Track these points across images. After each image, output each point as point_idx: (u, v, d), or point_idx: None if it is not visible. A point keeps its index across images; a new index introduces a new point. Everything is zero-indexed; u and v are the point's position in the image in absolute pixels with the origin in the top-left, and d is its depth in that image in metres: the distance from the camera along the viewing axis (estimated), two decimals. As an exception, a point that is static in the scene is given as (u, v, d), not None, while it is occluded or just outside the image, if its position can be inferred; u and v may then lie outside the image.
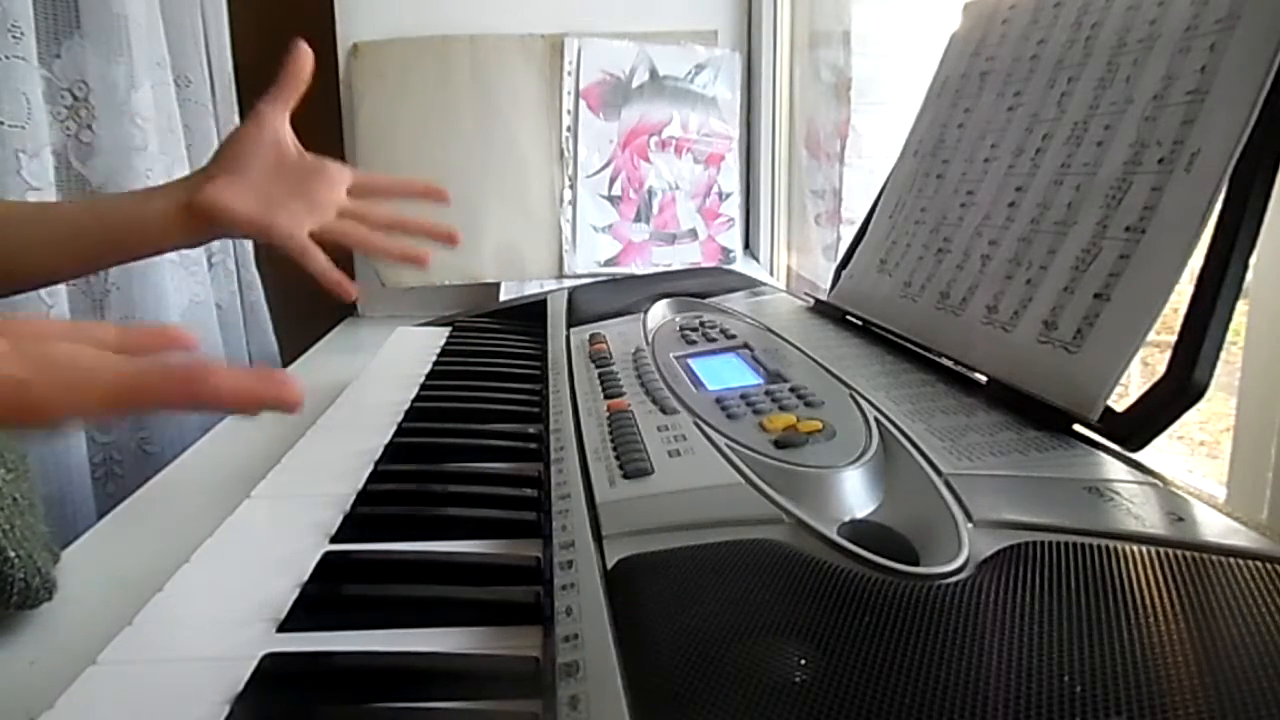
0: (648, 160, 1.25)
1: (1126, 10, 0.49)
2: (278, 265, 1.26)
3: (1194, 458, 0.84)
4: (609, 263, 1.24)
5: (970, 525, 0.34)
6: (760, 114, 1.31)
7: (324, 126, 1.23)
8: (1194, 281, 0.41)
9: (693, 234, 1.26)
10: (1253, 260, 0.41)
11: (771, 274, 1.31)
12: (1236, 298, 0.40)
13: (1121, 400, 0.43)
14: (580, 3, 1.26)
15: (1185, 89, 0.43)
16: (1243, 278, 0.40)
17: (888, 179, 0.73)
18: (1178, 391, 0.39)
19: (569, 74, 1.22)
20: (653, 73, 1.24)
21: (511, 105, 1.22)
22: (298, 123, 0.63)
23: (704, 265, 1.24)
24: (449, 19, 1.23)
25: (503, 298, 1.20)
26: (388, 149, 1.21)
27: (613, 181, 1.24)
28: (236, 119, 1.19)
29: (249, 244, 1.21)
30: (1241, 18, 0.40)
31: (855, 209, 1.08)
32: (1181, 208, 0.41)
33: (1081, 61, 0.52)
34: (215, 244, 1.14)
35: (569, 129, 1.23)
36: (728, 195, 1.27)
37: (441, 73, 1.21)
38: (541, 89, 1.23)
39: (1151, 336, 0.42)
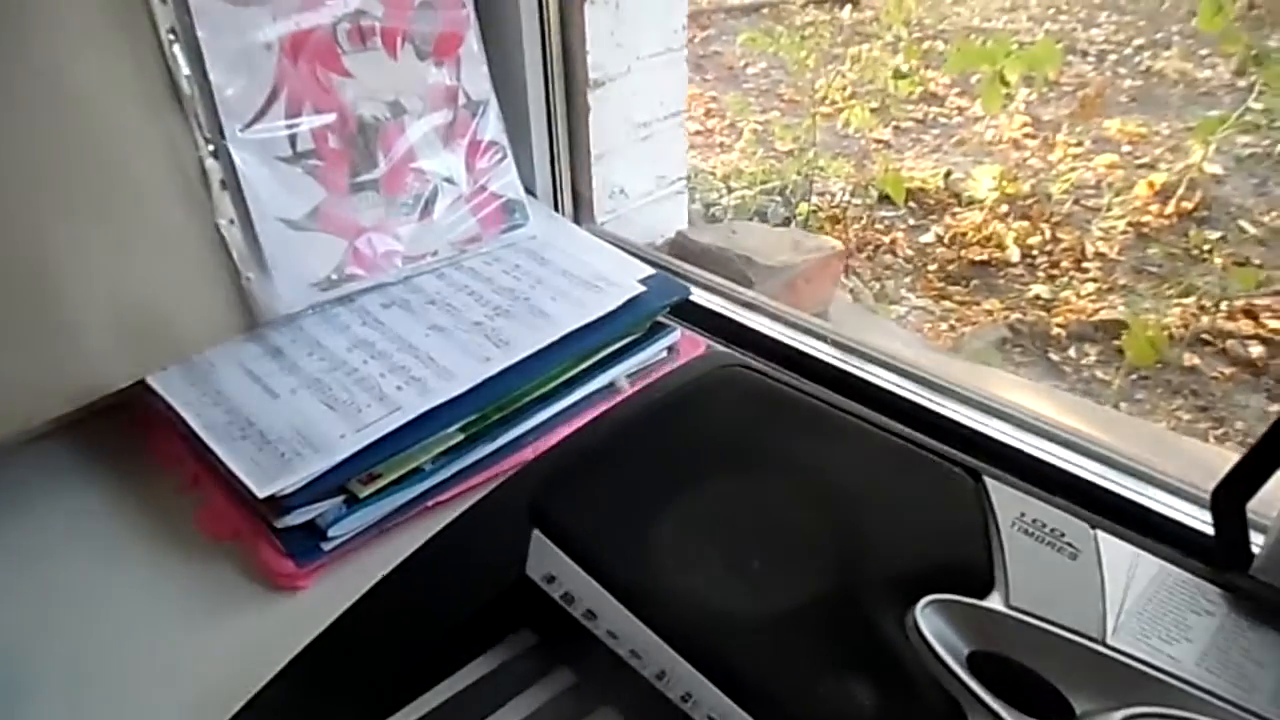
0: (341, 71, 0.68)
1: None
2: None
3: None
4: (336, 281, 0.69)
5: None
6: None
7: None
8: None
9: (451, 189, 0.74)
10: None
11: (558, 210, 0.86)
12: None
13: None
14: None
15: None
16: None
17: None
18: None
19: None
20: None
21: (45, 23, 0.55)
22: None
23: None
24: None
25: (171, 396, 0.61)
26: None
27: (293, 125, 0.66)
28: None
29: None
30: None
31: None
32: None
33: None
34: None
35: (173, 36, 0.60)
36: (481, 106, 0.76)
37: None
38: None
39: None
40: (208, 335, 0.65)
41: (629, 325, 0.68)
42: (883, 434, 0.48)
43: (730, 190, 2.46)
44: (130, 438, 0.67)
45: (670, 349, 0.71)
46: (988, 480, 0.45)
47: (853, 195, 2.54)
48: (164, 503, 0.63)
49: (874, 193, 2.54)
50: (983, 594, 0.40)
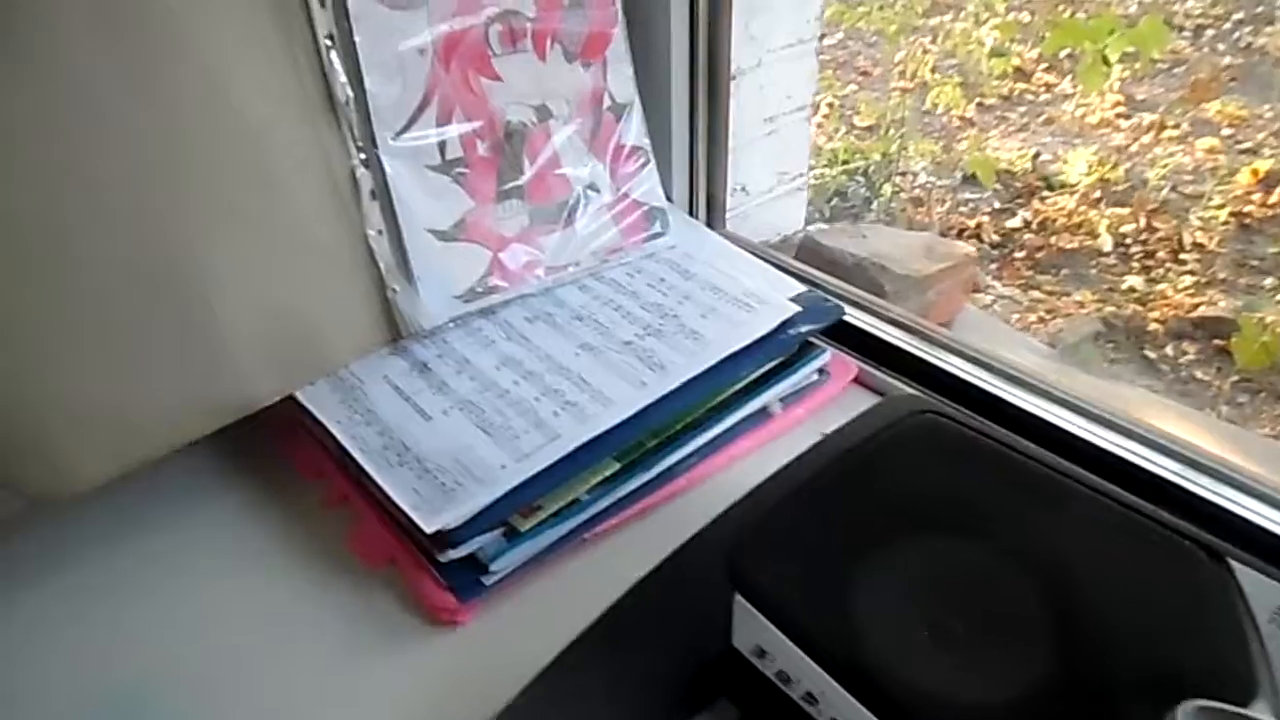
0: (492, 75, 0.65)
1: None
2: None
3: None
4: (480, 293, 0.66)
5: None
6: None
7: None
8: None
9: (595, 196, 0.71)
10: None
11: (693, 214, 0.83)
12: None
13: None
14: None
15: None
16: None
17: None
18: None
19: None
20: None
21: (206, 26, 0.52)
22: None
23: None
24: None
25: (323, 414, 0.60)
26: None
27: (442, 133, 0.63)
28: None
29: None
30: None
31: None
32: None
33: None
34: None
35: (330, 41, 0.57)
36: (626, 109, 0.72)
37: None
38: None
39: None
40: (352, 350, 0.63)
41: (782, 348, 0.65)
42: (1105, 499, 0.45)
43: (809, 168, 2.39)
44: (267, 444, 0.66)
45: (822, 371, 0.68)
46: (1234, 564, 0.41)
47: (935, 175, 2.46)
48: (309, 518, 0.62)
49: (956, 173, 2.45)
50: (1245, 700, 0.37)
